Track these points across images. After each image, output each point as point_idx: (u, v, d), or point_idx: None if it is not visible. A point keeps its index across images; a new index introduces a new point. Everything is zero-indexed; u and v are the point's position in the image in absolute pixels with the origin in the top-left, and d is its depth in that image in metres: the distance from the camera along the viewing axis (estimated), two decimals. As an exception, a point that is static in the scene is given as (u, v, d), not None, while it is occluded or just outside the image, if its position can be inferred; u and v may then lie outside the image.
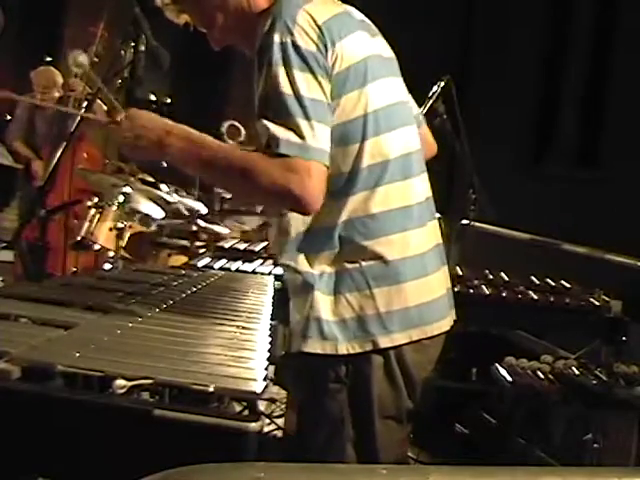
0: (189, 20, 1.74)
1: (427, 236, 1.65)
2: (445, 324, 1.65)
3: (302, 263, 1.57)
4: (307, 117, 1.44)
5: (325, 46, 1.50)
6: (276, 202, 1.55)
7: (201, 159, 1.52)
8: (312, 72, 1.47)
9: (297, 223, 1.57)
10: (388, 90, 1.63)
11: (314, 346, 1.54)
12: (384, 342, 1.54)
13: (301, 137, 1.43)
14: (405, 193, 1.60)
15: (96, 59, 4.33)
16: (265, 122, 1.45)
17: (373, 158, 1.55)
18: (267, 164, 1.44)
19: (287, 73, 1.46)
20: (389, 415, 1.58)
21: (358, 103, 1.55)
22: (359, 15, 1.69)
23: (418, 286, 1.58)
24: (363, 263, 1.54)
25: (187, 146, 1.52)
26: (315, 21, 1.51)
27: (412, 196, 1.62)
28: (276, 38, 1.48)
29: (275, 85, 1.46)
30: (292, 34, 1.48)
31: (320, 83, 1.48)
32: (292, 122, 1.44)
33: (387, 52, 1.71)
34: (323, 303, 1.54)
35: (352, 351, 1.53)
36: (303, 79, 1.46)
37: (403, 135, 1.63)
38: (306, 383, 1.64)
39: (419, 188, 1.65)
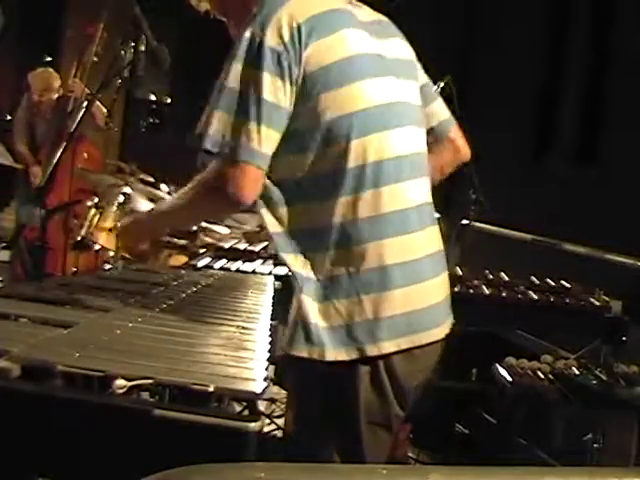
0: (209, 8, 1.76)
1: (425, 241, 1.61)
2: (438, 332, 1.60)
3: (293, 264, 1.55)
4: (251, 118, 1.46)
5: (299, 46, 1.48)
6: (207, 204, 1.62)
7: (170, 219, 1.79)
8: (272, 73, 1.46)
9: (280, 223, 1.57)
10: (381, 89, 1.57)
11: (301, 350, 1.51)
12: (372, 350, 1.50)
13: (236, 138, 1.46)
14: (398, 197, 1.55)
15: (95, 59, 4.35)
16: (208, 117, 1.50)
17: (361, 159, 1.52)
18: (201, 177, 1.56)
19: (245, 71, 1.47)
20: (376, 422, 1.55)
21: (341, 102, 1.51)
22: (364, 16, 1.65)
23: (409, 293, 1.54)
24: (352, 269, 1.50)
25: (162, 221, 1.79)
26: (295, 19, 1.49)
27: (406, 200, 1.57)
28: (247, 34, 1.48)
29: (231, 80, 1.48)
30: (263, 31, 1.48)
31: (278, 86, 1.47)
32: (231, 120, 1.47)
33: (393, 53, 1.66)
34: (311, 308, 1.51)
35: (339, 358, 1.50)
36: (260, 78, 1.46)
37: (396, 136, 1.58)
38: (293, 385, 1.63)
39: (414, 192, 1.60)
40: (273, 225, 1.56)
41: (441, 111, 1.84)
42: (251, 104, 1.46)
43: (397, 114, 1.61)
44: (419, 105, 1.72)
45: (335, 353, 1.50)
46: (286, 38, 1.47)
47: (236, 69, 1.48)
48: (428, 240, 1.62)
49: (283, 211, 1.55)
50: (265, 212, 1.57)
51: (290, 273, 1.57)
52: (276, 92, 1.47)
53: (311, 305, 1.52)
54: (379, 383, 1.53)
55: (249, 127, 1.46)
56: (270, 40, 1.47)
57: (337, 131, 1.51)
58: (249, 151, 1.46)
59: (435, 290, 1.62)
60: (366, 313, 1.50)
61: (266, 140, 1.47)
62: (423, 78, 1.79)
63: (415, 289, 1.55)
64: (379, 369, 1.53)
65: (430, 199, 1.67)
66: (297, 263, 1.54)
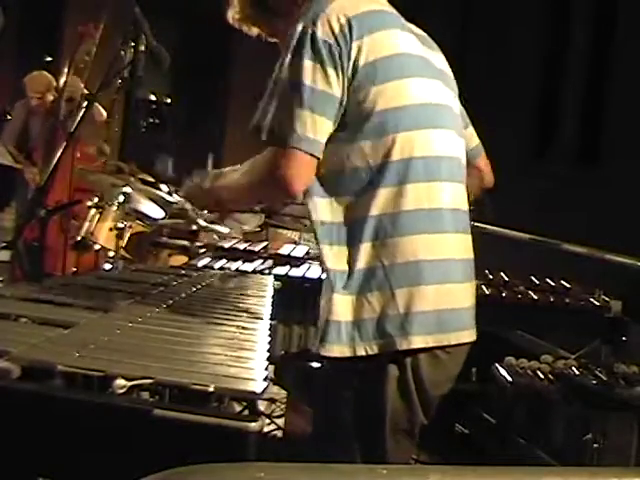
0: (261, 32, 1.82)
1: (457, 245, 1.62)
2: (465, 335, 1.62)
3: (330, 258, 1.56)
4: (304, 106, 1.48)
5: (351, 39, 1.52)
6: (260, 190, 1.66)
7: (230, 196, 1.76)
8: (323, 63, 1.49)
9: (320, 213, 1.59)
10: (428, 89, 1.61)
11: (332, 349, 1.52)
12: (401, 344, 1.51)
13: (292, 127, 1.48)
14: (436, 195, 1.58)
15: (87, 57, 4.35)
16: (264, 110, 1.54)
17: (407, 153, 1.54)
18: (258, 160, 1.58)
19: (298, 61, 1.50)
20: (401, 429, 1.56)
21: (389, 96, 1.54)
22: (411, 25, 1.71)
23: (441, 291, 1.55)
24: (387, 262, 1.52)
25: (225, 195, 1.75)
26: (346, 14, 1.53)
27: (443, 200, 1.59)
28: (299, 27, 1.52)
29: (285, 72, 1.52)
30: (315, 24, 1.51)
31: (329, 74, 1.50)
32: (288, 110, 1.50)
33: (439, 64, 1.71)
34: (344, 305, 1.52)
35: (370, 352, 1.51)
36: (311, 69, 1.49)
37: (440, 137, 1.61)
38: (323, 388, 1.64)
39: (451, 195, 1.62)
40: (317, 216, 1.58)
41: (473, 137, 1.88)
42: (304, 93, 1.49)
43: (442, 116, 1.64)
44: (459, 115, 1.76)
45: (366, 346, 1.51)
46: (336, 31, 1.52)
47: (290, 61, 1.52)
48: (460, 245, 1.64)
49: (327, 202, 1.57)
50: (311, 203, 1.59)
51: (324, 275, 1.58)
52: (328, 81, 1.50)
53: (343, 303, 1.52)
54: (406, 388, 1.54)
55: (302, 115, 1.49)
56: (321, 32, 1.51)
57: (384, 124, 1.54)
58: (302, 139, 1.49)
59: (465, 294, 1.63)
60: (398, 307, 1.51)
61: (319, 128, 1.50)
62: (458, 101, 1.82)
63: (447, 288, 1.57)
64: (406, 372, 1.53)
65: (466, 207, 1.68)
66: (334, 256, 1.55)
